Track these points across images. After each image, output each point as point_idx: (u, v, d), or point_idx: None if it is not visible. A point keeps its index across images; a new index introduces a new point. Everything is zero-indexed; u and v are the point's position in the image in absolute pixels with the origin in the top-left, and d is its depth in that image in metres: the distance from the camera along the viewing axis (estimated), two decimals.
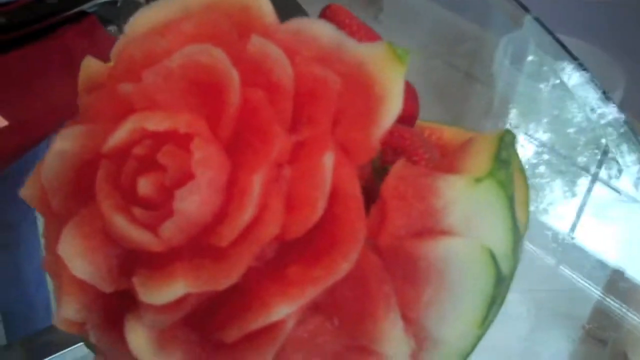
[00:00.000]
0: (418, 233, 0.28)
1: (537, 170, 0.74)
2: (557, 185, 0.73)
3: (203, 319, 0.28)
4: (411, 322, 0.29)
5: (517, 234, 0.30)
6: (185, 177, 0.26)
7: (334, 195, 0.27)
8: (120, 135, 0.27)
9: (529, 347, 0.61)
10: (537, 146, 0.76)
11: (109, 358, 0.31)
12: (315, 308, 0.28)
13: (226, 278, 0.26)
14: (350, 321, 0.28)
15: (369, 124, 0.27)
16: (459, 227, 0.28)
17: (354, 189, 0.27)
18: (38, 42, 0.59)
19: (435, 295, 0.28)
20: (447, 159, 0.31)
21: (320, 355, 0.28)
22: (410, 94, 0.38)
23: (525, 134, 0.77)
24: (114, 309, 0.29)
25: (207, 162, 0.26)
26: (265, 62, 0.27)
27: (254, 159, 0.26)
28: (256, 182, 0.25)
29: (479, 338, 0.31)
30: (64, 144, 0.29)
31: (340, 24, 0.36)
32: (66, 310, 0.29)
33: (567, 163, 0.75)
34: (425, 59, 0.86)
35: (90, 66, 0.32)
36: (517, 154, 0.36)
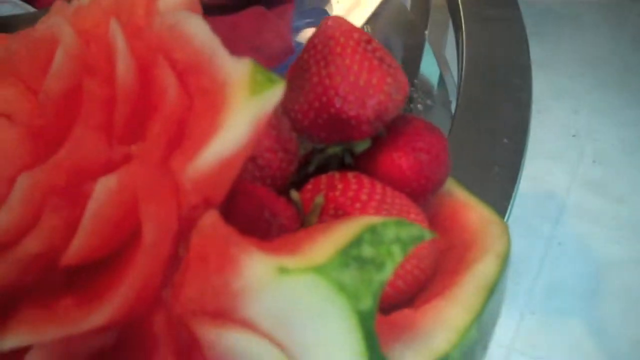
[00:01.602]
0: (214, 313, 0.21)
1: None
2: None
3: None
4: None
5: None
6: None
7: (137, 235, 0.22)
8: None
9: None
10: None
11: None
12: (102, 357, 0.23)
13: None
14: None
15: (192, 156, 0.22)
16: (265, 325, 0.21)
17: (154, 234, 0.21)
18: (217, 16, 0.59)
19: None
20: (305, 233, 0.24)
21: None
22: (424, 154, 0.30)
23: None
24: None
25: None
26: (113, 53, 0.23)
27: (47, 157, 0.22)
28: (20, 183, 0.21)
29: None
30: None
31: (331, 39, 0.29)
32: None
33: None
34: None
35: None
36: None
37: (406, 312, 0.25)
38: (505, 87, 0.59)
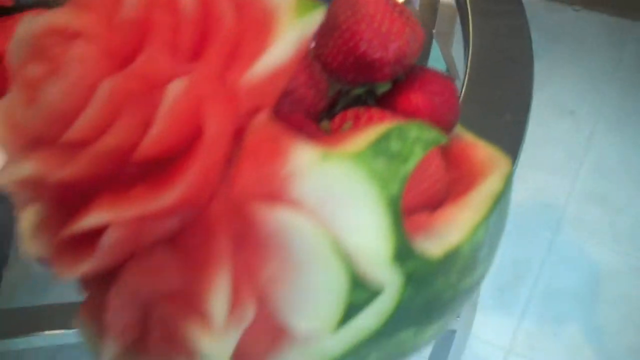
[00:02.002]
0: (265, 196, 0.25)
1: None
2: None
3: (64, 211, 0.28)
4: (255, 292, 0.26)
5: (400, 243, 0.25)
6: (58, 69, 0.27)
7: (201, 133, 0.26)
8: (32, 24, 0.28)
9: None
10: None
11: None
12: (168, 242, 0.27)
13: (59, 172, 0.26)
14: (189, 264, 0.27)
15: (246, 69, 0.26)
16: (309, 204, 0.25)
17: (215, 129, 0.26)
18: None
19: (279, 273, 0.26)
20: (340, 135, 0.28)
21: (157, 289, 0.27)
22: (434, 92, 0.34)
23: None
24: None
25: (79, 60, 0.26)
26: None
27: (122, 70, 0.26)
28: (102, 88, 0.25)
29: (342, 347, 0.27)
30: None
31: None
32: None
33: None
34: None
35: None
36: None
37: (423, 216, 0.29)
38: (508, 71, 0.63)
